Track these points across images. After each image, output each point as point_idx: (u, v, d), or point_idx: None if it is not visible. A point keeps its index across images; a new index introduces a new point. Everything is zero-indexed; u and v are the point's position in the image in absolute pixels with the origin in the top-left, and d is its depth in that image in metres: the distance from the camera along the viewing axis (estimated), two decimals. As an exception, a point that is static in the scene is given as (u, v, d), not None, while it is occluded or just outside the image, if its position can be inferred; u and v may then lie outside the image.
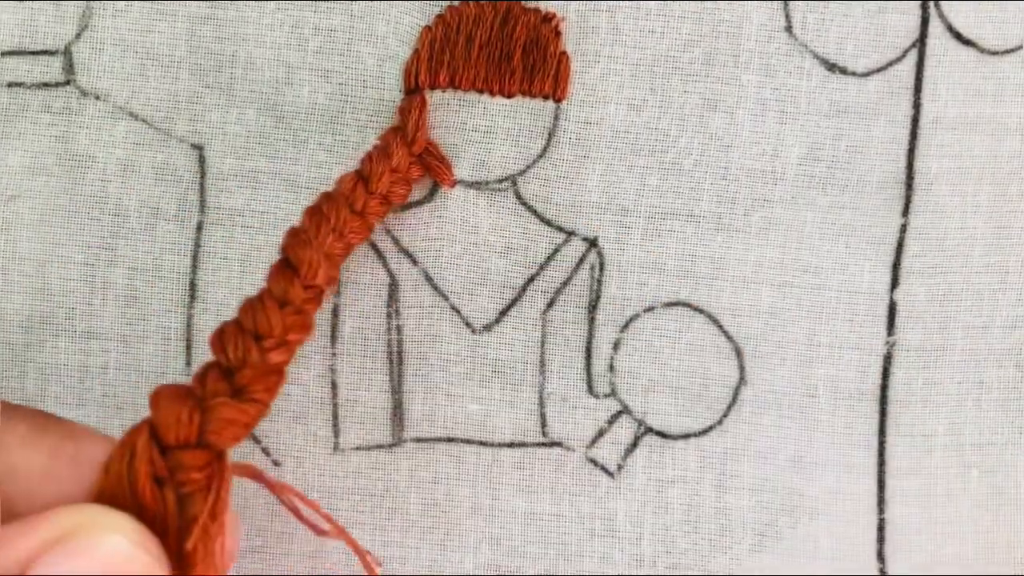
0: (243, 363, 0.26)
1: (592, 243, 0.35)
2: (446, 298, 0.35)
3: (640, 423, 0.35)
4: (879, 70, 0.35)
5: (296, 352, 0.28)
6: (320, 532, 0.30)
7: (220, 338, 0.27)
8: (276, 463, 0.35)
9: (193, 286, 0.35)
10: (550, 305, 0.35)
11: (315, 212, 0.30)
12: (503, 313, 0.35)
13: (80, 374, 0.35)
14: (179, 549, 0.24)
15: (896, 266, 0.35)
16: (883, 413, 0.35)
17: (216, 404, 0.25)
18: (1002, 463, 0.36)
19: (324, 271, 0.29)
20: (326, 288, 0.29)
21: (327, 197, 0.31)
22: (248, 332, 0.27)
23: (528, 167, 0.35)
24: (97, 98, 0.34)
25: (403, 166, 0.33)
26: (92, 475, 0.24)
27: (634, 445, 0.35)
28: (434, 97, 0.34)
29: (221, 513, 0.25)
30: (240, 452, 0.34)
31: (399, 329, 0.35)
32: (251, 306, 0.27)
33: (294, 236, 0.29)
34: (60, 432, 0.25)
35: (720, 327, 0.35)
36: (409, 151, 0.33)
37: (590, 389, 0.35)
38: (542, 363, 0.35)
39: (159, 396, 0.25)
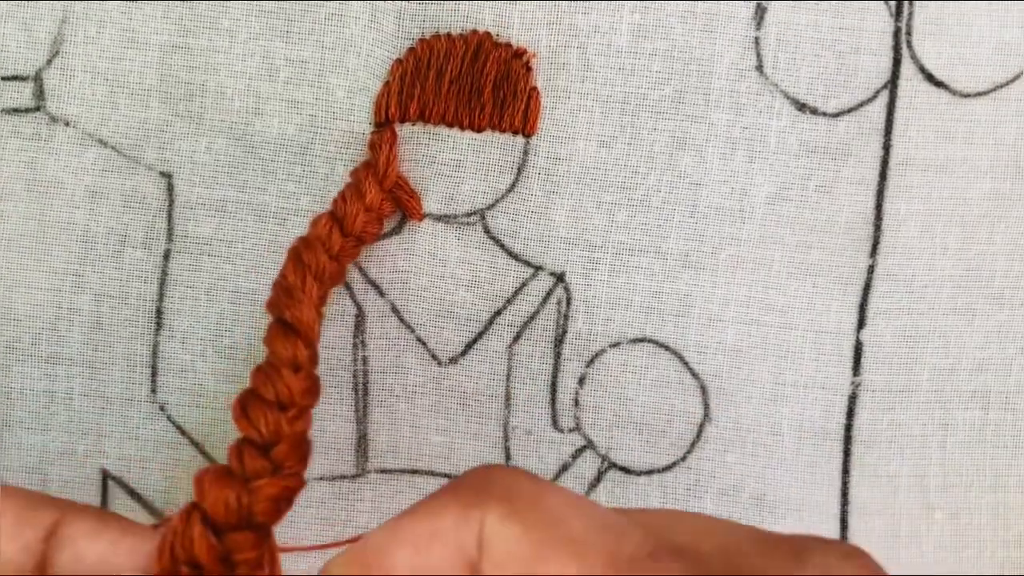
0: (276, 437, 0.26)
1: (559, 278, 0.35)
2: (412, 330, 0.35)
3: (604, 458, 0.35)
4: (850, 110, 0.35)
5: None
6: None
7: (246, 413, 0.26)
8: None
9: (159, 313, 0.35)
10: (516, 339, 0.35)
11: (296, 263, 0.29)
12: (469, 346, 0.35)
13: (45, 399, 0.35)
14: None
15: (863, 306, 0.35)
16: (847, 453, 0.35)
17: (261, 485, 0.25)
18: (966, 505, 0.36)
19: (318, 325, 0.28)
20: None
21: (305, 244, 0.30)
22: (272, 404, 0.26)
23: (497, 201, 0.35)
24: (67, 124, 0.34)
25: (376, 203, 0.33)
26: (146, 565, 0.26)
27: (598, 480, 0.35)
28: (404, 130, 0.34)
29: None
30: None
31: (365, 360, 0.35)
32: (266, 376, 0.27)
33: (287, 295, 0.28)
34: (119, 527, 0.26)
35: (685, 364, 0.35)
36: (381, 187, 0.33)
37: (555, 423, 0.35)
38: (507, 396, 0.35)
39: (204, 482, 0.25)
